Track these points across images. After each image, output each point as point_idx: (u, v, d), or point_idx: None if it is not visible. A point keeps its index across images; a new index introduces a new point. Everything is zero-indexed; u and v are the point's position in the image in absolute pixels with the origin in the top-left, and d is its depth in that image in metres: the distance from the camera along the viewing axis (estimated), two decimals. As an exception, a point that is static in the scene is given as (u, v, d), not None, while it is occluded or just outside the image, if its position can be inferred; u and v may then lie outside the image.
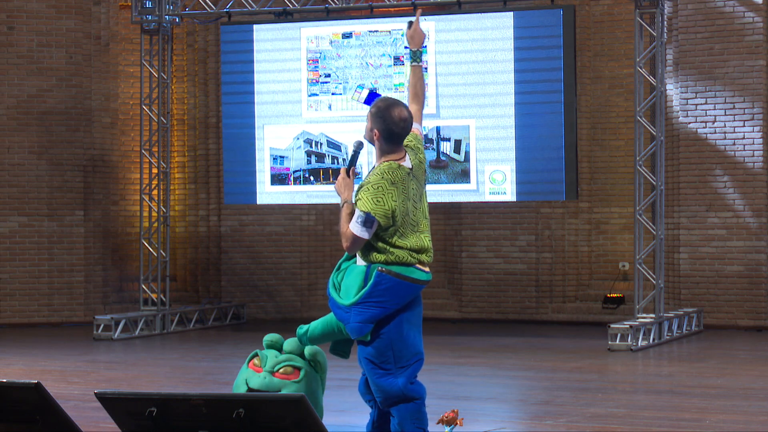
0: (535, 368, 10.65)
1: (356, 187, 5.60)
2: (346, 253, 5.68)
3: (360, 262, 5.59)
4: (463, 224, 14.82)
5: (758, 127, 13.38)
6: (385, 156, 5.62)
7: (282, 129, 13.42)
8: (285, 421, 3.99)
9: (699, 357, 11.53)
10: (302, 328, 5.73)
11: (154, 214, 14.18)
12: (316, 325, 5.69)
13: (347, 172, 5.59)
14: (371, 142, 5.65)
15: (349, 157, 5.62)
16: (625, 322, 11.87)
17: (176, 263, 15.37)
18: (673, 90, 13.73)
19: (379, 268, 5.48)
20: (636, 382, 9.95)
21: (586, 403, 8.45)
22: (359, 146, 5.64)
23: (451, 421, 5.68)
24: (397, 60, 12.94)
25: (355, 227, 5.46)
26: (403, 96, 13.36)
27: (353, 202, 5.51)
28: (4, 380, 4.43)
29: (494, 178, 12.69)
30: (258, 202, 13.78)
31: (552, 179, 12.55)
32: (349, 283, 5.54)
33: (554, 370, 10.46)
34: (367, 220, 5.45)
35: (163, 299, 14.07)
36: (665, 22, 12.89)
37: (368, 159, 12.14)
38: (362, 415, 6.74)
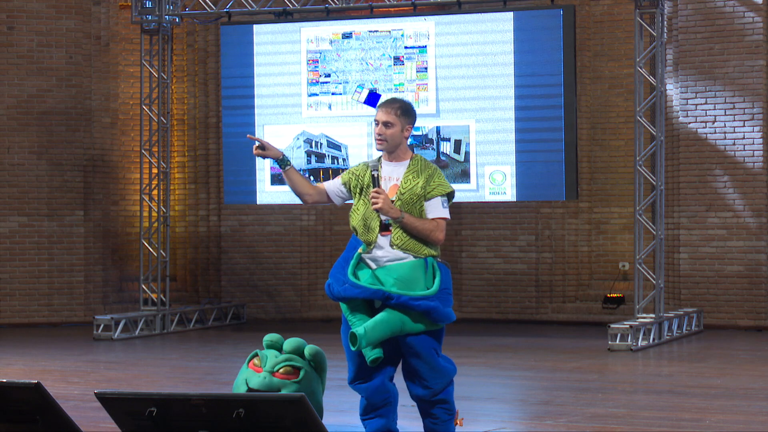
0: (535, 368, 10.65)
1: (409, 186, 5.82)
2: (356, 258, 5.80)
3: (396, 255, 5.74)
4: (463, 224, 14.82)
5: (758, 127, 13.38)
6: (408, 150, 5.97)
7: (282, 129, 13.42)
8: (285, 421, 3.99)
9: (699, 357, 11.53)
10: (359, 331, 5.61)
11: (154, 214, 14.18)
12: (372, 327, 5.63)
13: (379, 188, 5.79)
14: (392, 141, 5.86)
15: (373, 180, 5.82)
16: (625, 322, 11.87)
17: (176, 263, 15.37)
18: (673, 90, 13.73)
19: (438, 259, 5.88)
20: (636, 382, 9.95)
21: (586, 403, 8.45)
22: (377, 169, 5.91)
23: (451, 421, 5.68)
24: (397, 60, 12.94)
25: (446, 212, 5.85)
26: (403, 96, 13.38)
27: (425, 194, 5.80)
28: (4, 380, 4.43)
29: (494, 178, 12.69)
30: (258, 202, 13.78)
31: (552, 179, 12.55)
32: (409, 276, 5.72)
33: (554, 370, 10.46)
34: (450, 199, 5.90)
35: (163, 299, 14.07)
36: (665, 22, 12.89)
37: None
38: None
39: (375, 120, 5.91)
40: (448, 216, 5.86)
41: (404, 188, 5.82)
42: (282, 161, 5.92)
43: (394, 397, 5.91)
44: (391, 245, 5.77)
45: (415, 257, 5.77)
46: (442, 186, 5.84)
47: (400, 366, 5.92)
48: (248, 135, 6.21)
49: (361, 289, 5.70)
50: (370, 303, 5.75)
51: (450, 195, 5.89)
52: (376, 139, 5.89)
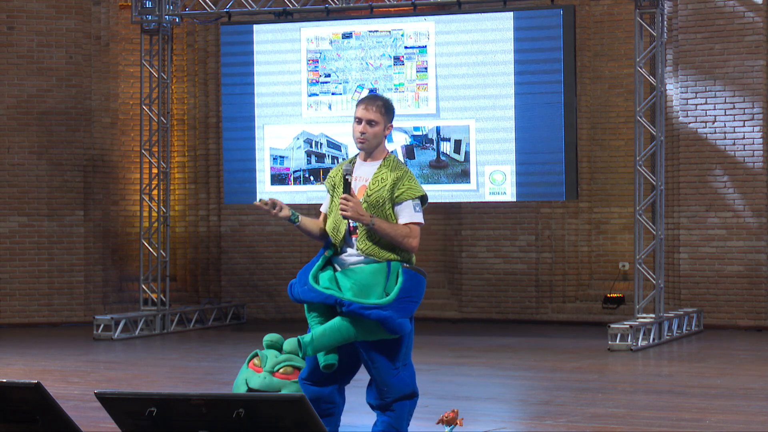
0: (535, 368, 10.65)
1: (377, 187, 5.53)
2: (322, 260, 5.60)
3: (360, 259, 5.52)
4: (463, 224, 14.81)
5: (758, 127, 13.38)
6: (385, 149, 5.68)
7: (282, 129, 13.42)
8: (285, 421, 3.98)
9: (699, 357, 11.53)
10: (305, 338, 5.49)
11: (154, 214, 14.18)
12: (320, 334, 5.47)
13: (350, 194, 5.50)
14: (374, 140, 5.58)
15: (344, 185, 5.54)
16: (625, 322, 11.87)
17: (176, 263, 15.37)
18: (673, 90, 13.73)
19: (404, 264, 5.50)
20: (636, 382, 9.95)
21: (586, 403, 8.45)
22: (350, 173, 5.60)
23: (451, 421, 5.66)
24: (397, 60, 12.94)
25: (419, 216, 5.51)
26: (403, 96, 13.37)
27: (393, 197, 5.50)
28: (4, 380, 4.42)
29: (494, 179, 12.69)
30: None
31: (552, 179, 12.55)
32: (368, 282, 5.46)
33: (554, 370, 10.46)
34: (423, 203, 5.56)
35: (163, 299, 14.07)
36: (665, 22, 12.89)
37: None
38: (361, 415, 6.75)
39: (356, 117, 5.60)
40: (421, 221, 5.51)
41: (371, 190, 5.55)
42: (292, 219, 5.64)
43: (338, 408, 5.67)
44: (356, 248, 5.53)
45: (377, 262, 5.48)
46: (412, 189, 5.51)
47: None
48: (255, 203, 5.66)
49: (315, 294, 5.52)
50: (329, 304, 5.53)
51: (422, 198, 5.55)
52: (357, 139, 5.61)
